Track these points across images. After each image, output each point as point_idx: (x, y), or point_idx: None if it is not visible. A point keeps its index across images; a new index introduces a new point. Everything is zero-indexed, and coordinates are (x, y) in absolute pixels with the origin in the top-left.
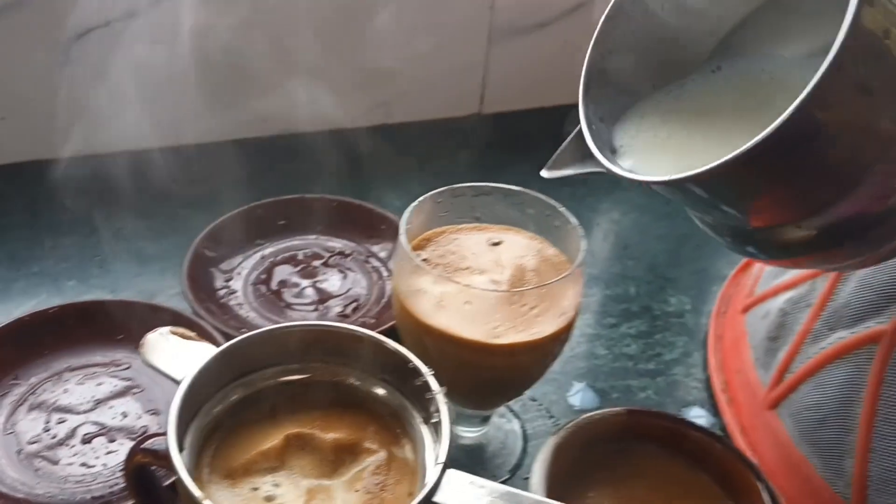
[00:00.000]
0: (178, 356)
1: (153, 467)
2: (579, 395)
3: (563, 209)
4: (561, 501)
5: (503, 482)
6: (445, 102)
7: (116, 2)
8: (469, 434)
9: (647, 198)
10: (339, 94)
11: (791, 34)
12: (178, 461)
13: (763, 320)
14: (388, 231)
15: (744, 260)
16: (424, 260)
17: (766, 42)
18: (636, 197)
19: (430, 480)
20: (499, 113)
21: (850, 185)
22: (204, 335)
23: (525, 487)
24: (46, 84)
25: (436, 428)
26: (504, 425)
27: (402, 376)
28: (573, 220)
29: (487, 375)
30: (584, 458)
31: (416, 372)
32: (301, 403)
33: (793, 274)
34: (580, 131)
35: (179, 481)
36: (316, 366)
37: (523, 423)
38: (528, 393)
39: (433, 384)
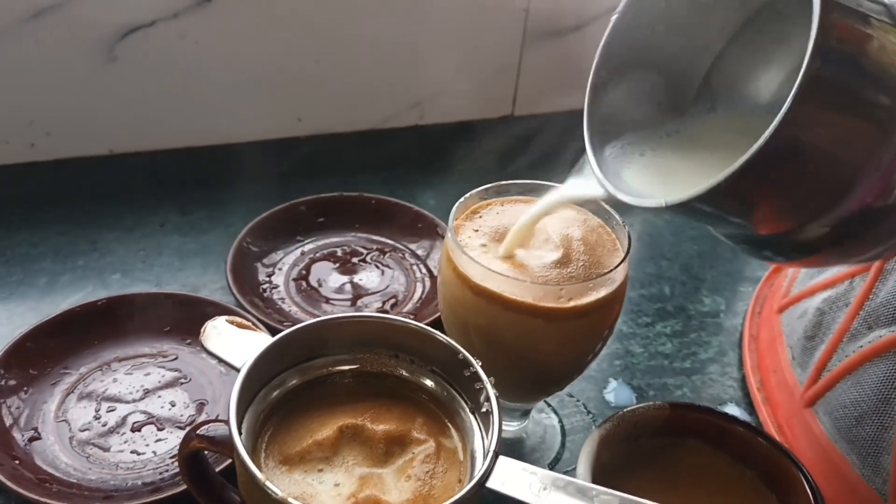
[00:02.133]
0: (236, 344)
1: (206, 453)
2: (615, 392)
3: (607, 206)
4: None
5: None
6: (479, 104)
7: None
8: (509, 428)
9: None
10: (374, 94)
11: (779, 50)
12: (240, 444)
13: (800, 320)
14: (424, 229)
15: None
16: (475, 230)
17: (758, 64)
18: None
19: (482, 467)
20: (531, 115)
21: (843, 190)
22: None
23: None
24: (90, 82)
25: (484, 418)
26: (543, 420)
27: (451, 368)
28: (617, 215)
29: (532, 358)
30: (627, 451)
31: (466, 363)
32: (352, 393)
33: (830, 274)
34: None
35: (241, 463)
36: (366, 357)
37: (561, 419)
38: (565, 389)
39: (482, 374)
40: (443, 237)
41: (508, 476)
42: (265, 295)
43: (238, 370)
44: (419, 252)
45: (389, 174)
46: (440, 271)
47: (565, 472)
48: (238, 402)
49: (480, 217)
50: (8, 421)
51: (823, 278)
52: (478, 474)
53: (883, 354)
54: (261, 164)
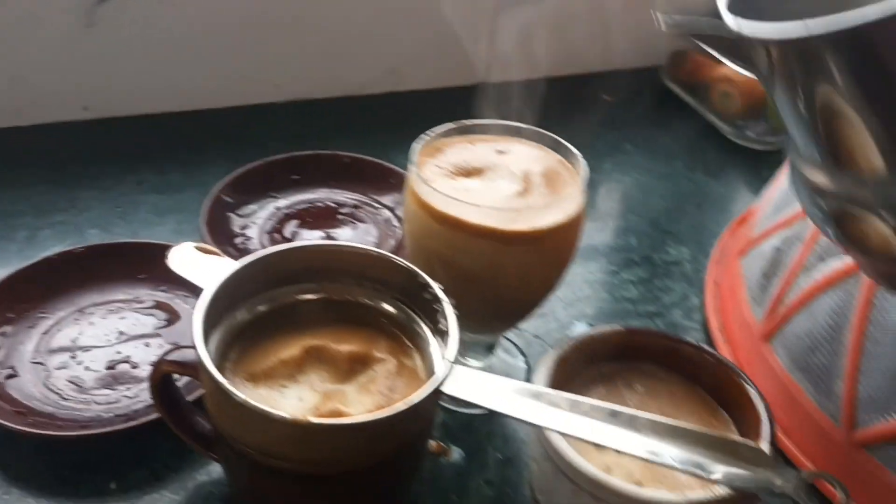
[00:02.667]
0: (202, 268)
1: (177, 378)
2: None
3: (566, 143)
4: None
5: None
6: (453, 71)
7: None
8: (474, 363)
9: (649, 159)
10: (351, 61)
11: None
12: (204, 355)
13: (758, 260)
14: (397, 185)
15: (742, 212)
16: (438, 166)
17: None
18: (637, 159)
19: (440, 373)
20: (505, 82)
21: None
22: None
23: None
24: (70, 47)
25: (443, 335)
26: (508, 359)
27: (412, 293)
28: (574, 149)
29: (493, 284)
30: (584, 373)
31: (425, 285)
32: (317, 319)
33: (787, 214)
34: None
35: (205, 373)
36: (331, 286)
37: (527, 359)
38: (531, 330)
39: (440, 294)
40: None
41: (464, 382)
42: (239, 246)
43: (202, 291)
44: (392, 206)
45: (365, 139)
46: (405, 207)
47: None
48: (204, 319)
49: (444, 154)
50: None
51: (781, 218)
52: (435, 380)
53: (835, 284)
54: (238, 129)
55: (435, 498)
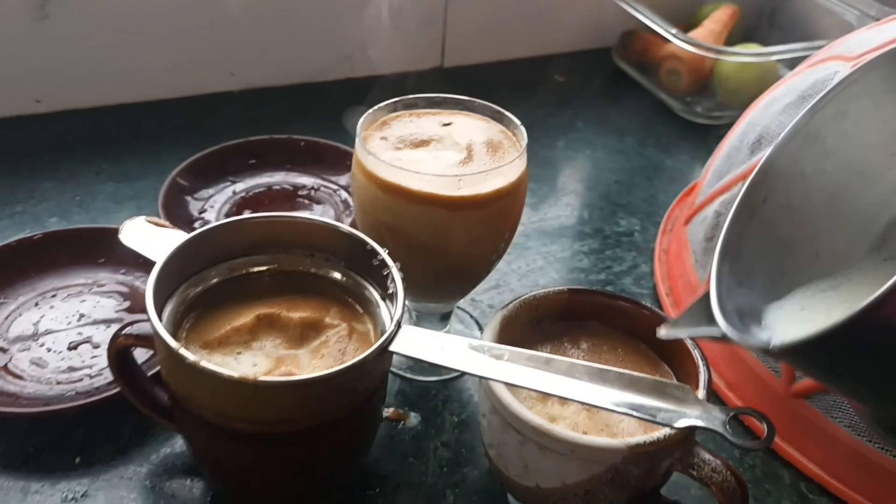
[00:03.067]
0: (154, 240)
1: (135, 349)
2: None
3: (508, 113)
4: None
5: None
6: (409, 56)
7: None
8: None
9: (601, 136)
10: (306, 48)
11: None
12: (157, 323)
13: (701, 226)
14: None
15: (690, 184)
16: (383, 138)
17: None
18: (590, 136)
19: (387, 333)
20: (460, 66)
21: None
22: None
23: None
24: (23, 41)
25: (392, 299)
26: (463, 330)
27: (362, 261)
28: (515, 119)
29: (440, 251)
30: (530, 332)
31: (373, 253)
32: (269, 290)
33: (726, 180)
34: (707, 294)
35: (159, 341)
36: (281, 257)
37: (482, 328)
38: (486, 301)
39: (388, 259)
40: None
41: (411, 341)
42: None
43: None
44: (348, 186)
45: (320, 124)
46: (352, 180)
47: None
48: (155, 289)
49: (389, 128)
50: None
51: (720, 185)
52: (382, 338)
53: None
54: (194, 118)
55: (393, 461)
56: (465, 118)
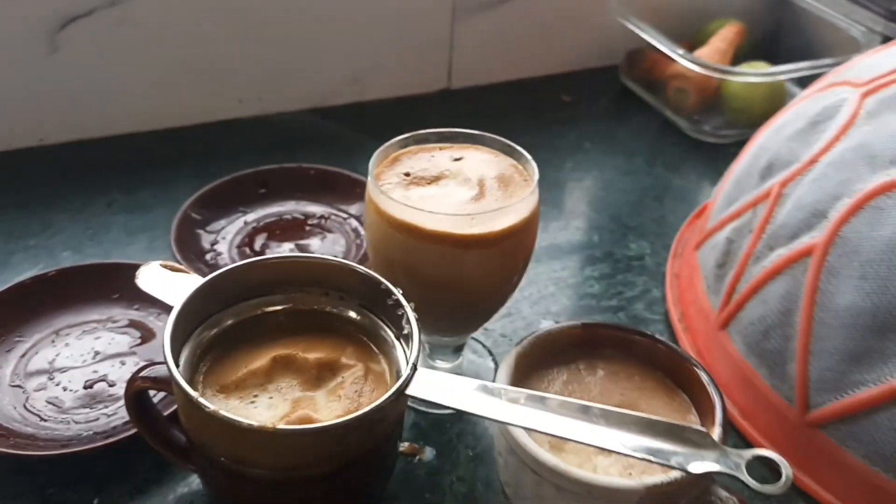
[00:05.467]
0: (170, 285)
1: (152, 392)
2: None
3: (519, 147)
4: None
5: None
6: (416, 79)
7: None
8: (443, 366)
9: (609, 156)
10: (314, 73)
11: None
12: (175, 370)
13: (712, 251)
14: (363, 194)
15: (700, 206)
16: (396, 175)
17: None
18: (598, 156)
19: (403, 377)
20: (467, 87)
21: None
22: None
23: None
24: (35, 73)
25: (407, 339)
26: (476, 360)
27: (376, 300)
28: (526, 153)
29: (453, 288)
30: (546, 358)
31: (388, 292)
32: (285, 329)
33: (736, 206)
34: None
35: (177, 388)
36: (297, 296)
37: (495, 358)
38: (498, 330)
39: (402, 300)
40: None
41: (427, 384)
42: (210, 262)
43: (172, 308)
44: (358, 215)
45: (331, 149)
46: (365, 217)
47: None
48: (172, 334)
49: (401, 164)
50: None
51: (731, 211)
52: (398, 383)
53: (782, 271)
54: (205, 146)
55: (410, 497)
56: (477, 152)
